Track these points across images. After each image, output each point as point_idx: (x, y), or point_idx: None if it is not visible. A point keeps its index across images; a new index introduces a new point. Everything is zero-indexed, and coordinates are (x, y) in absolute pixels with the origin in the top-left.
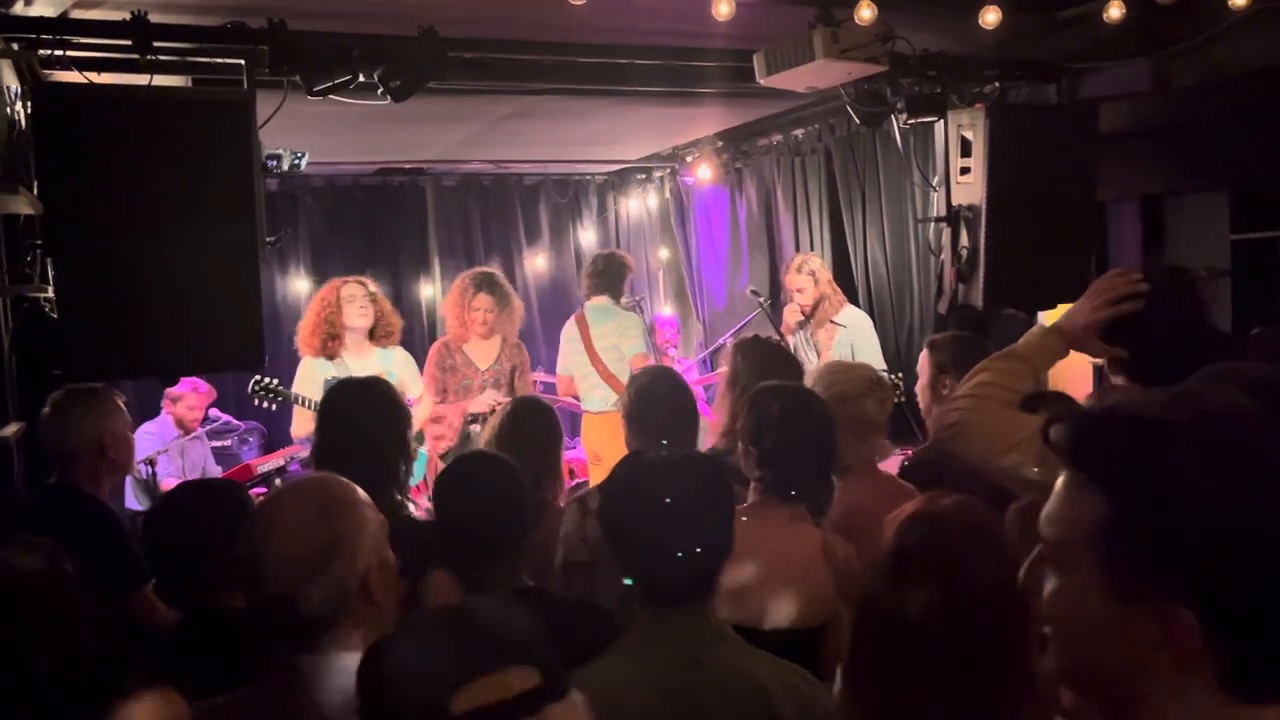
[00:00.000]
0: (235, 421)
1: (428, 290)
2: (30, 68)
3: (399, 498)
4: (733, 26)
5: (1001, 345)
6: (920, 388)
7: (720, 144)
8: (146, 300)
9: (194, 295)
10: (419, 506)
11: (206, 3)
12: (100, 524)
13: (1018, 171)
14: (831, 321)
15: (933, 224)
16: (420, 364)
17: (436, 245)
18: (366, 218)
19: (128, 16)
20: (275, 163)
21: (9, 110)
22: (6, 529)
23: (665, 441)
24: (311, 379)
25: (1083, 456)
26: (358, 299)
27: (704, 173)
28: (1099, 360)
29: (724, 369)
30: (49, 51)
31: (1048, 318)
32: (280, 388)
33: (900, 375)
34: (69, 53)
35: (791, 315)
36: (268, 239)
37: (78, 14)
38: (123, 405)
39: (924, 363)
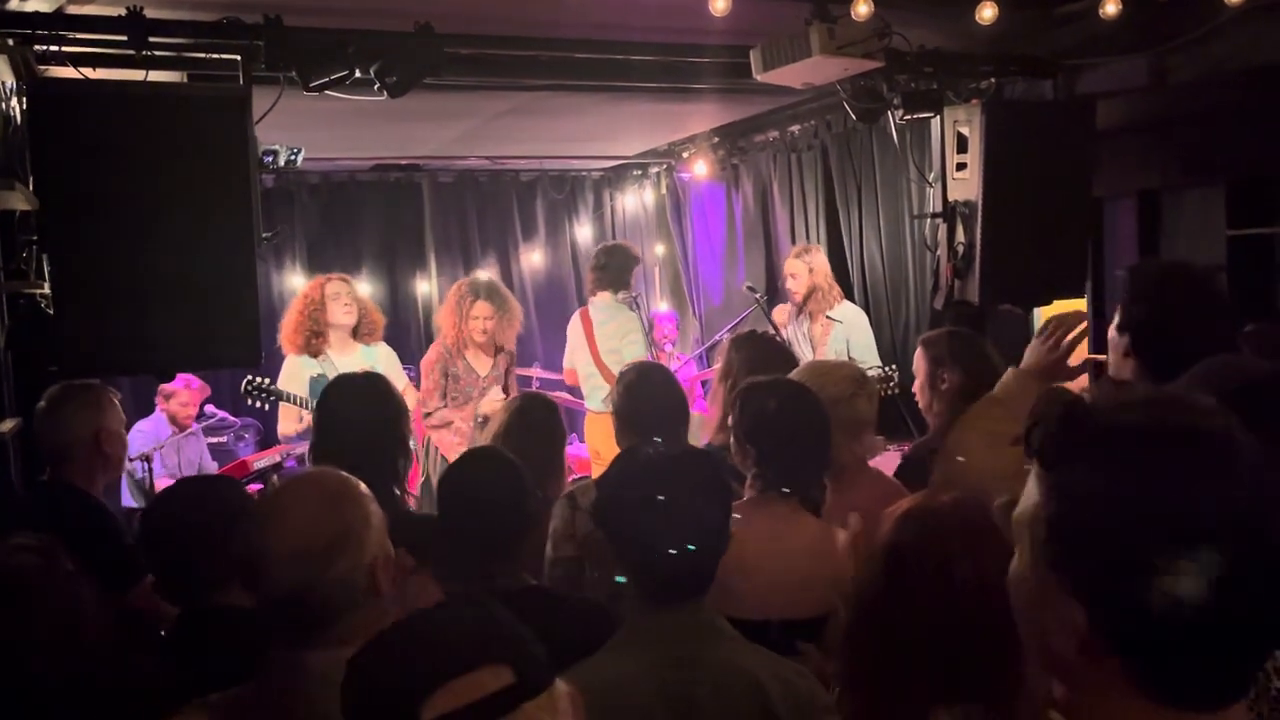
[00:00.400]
0: (231, 418)
1: (424, 286)
2: (25, 63)
3: (397, 492)
4: (729, 22)
5: (998, 342)
6: (918, 386)
7: (716, 140)
8: (142, 296)
9: (190, 291)
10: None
11: None
12: (95, 521)
13: (1014, 167)
14: (827, 317)
15: (929, 220)
16: (410, 360)
17: (433, 241)
18: (363, 214)
19: (123, 12)
20: (271, 159)
21: (4, 106)
22: (3, 526)
23: (657, 439)
24: (297, 377)
25: (1036, 444)
26: (342, 296)
27: (700, 169)
28: (1101, 356)
29: (719, 364)
30: (44, 47)
31: (1043, 314)
32: (273, 387)
33: (894, 368)
34: (64, 48)
35: (780, 315)
36: (264, 235)
37: (73, 9)
38: (118, 402)
39: (919, 360)
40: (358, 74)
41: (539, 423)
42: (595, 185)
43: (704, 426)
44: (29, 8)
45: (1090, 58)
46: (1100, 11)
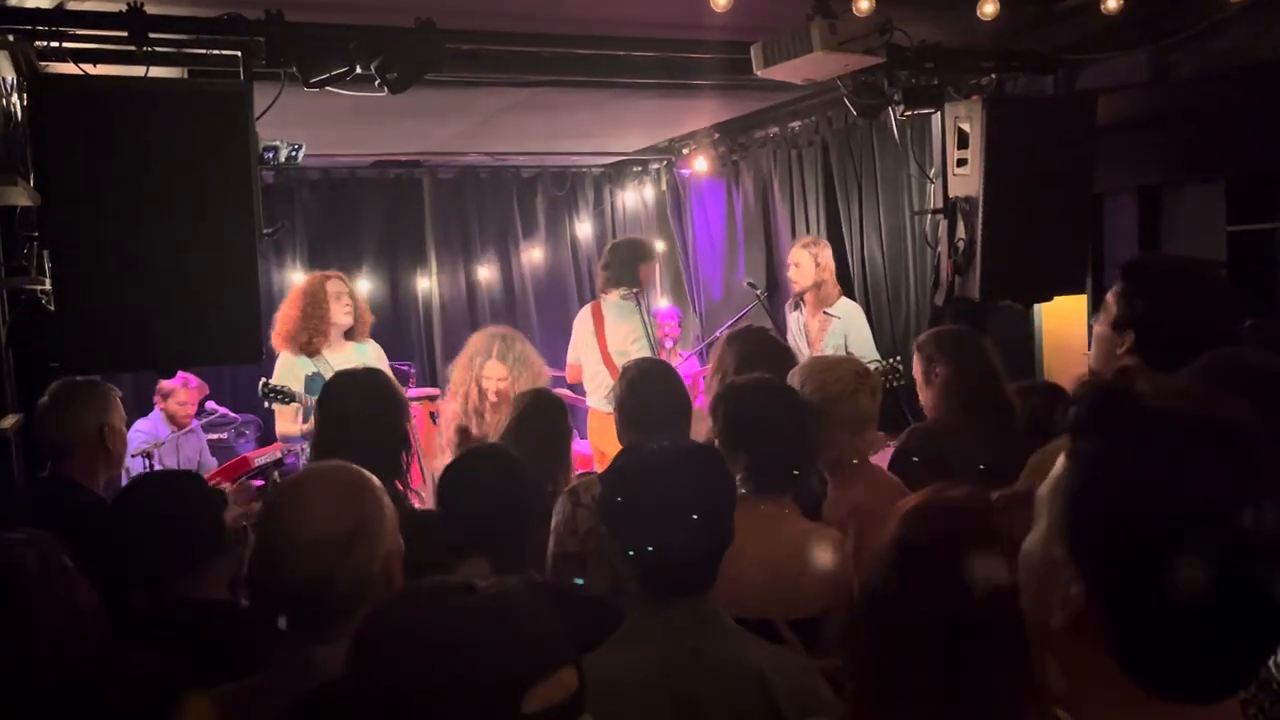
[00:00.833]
0: (231, 414)
1: (424, 283)
2: (26, 59)
3: (400, 488)
4: (730, 18)
5: (998, 338)
6: (919, 388)
7: (717, 136)
8: (143, 293)
9: (191, 288)
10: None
11: None
12: (97, 516)
13: (1014, 163)
14: (825, 312)
15: (929, 216)
16: (409, 355)
17: (433, 237)
18: (363, 210)
19: (124, 8)
20: (272, 155)
21: (5, 102)
22: (3, 522)
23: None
24: (292, 375)
25: (1069, 418)
26: (343, 296)
27: (701, 165)
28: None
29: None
30: (45, 43)
31: (1043, 310)
32: (288, 389)
33: (899, 358)
34: (65, 44)
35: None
36: (264, 231)
37: (74, 5)
38: (119, 400)
39: (914, 363)
40: (358, 70)
41: (545, 420)
42: (596, 182)
43: (700, 422)
44: (30, 4)
45: (1091, 53)
46: (1101, 7)
